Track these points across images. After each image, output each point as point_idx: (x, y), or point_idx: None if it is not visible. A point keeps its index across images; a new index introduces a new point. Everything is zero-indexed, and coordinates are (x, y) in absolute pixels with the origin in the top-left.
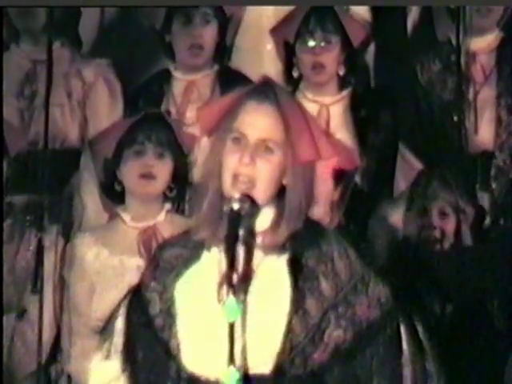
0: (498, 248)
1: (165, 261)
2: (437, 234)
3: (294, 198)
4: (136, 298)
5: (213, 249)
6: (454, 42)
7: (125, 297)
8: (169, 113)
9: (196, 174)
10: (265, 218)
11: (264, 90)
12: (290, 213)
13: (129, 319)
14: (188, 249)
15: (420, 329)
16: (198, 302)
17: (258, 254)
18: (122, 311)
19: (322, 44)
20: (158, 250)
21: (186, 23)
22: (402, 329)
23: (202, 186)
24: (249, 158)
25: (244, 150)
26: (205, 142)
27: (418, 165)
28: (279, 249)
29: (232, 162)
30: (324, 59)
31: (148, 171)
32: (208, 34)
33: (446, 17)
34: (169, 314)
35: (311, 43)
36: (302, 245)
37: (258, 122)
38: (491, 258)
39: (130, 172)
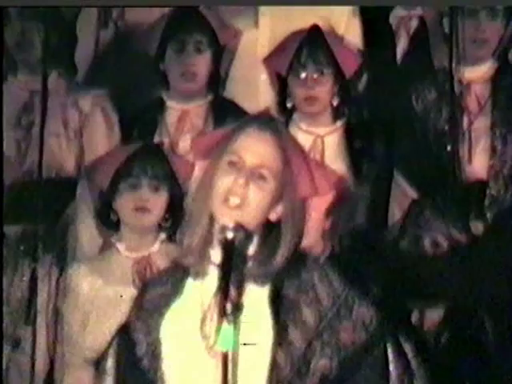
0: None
1: (148, 301)
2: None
3: (286, 229)
4: (125, 337)
5: (195, 276)
6: (449, 70)
7: (115, 335)
8: (162, 143)
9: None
10: (256, 251)
11: (266, 119)
12: (283, 243)
13: (118, 359)
14: (169, 286)
15: (408, 348)
16: (182, 343)
17: (246, 284)
18: (112, 350)
19: (315, 76)
20: (142, 290)
21: (179, 51)
22: (389, 350)
23: (193, 210)
24: (244, 180)
25: (239, 173)
26: (199, 170)
27: (412, 194)
28: (262, 279)
29: (225, 182)
30: (317, 92)
31: (143, 205)
32: (201, 63)
33: (442, 44)
34: (154, 356)
35: (303, 76)
36: (282, 276)
37: (256, 147)
38: (483, 279)
39: (124, 204)
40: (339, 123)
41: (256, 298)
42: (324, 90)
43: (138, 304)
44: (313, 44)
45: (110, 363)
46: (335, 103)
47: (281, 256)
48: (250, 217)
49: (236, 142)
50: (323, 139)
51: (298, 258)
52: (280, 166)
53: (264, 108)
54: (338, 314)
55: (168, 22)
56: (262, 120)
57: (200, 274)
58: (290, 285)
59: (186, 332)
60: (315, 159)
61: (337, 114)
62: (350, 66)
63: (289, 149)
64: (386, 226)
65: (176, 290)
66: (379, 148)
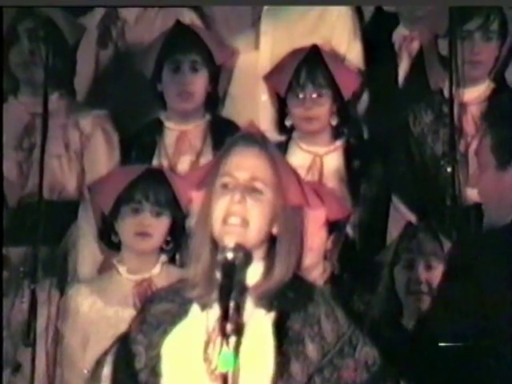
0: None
1: (152, 315)
2: (424, 288)
3: (283, 246)
4: (123, 348)
5: (202, 306)
6: (445, 92)
7: (112, 345)
8: (161, 165)
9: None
10: (255, 270)
11: (251, 135)
12: (280, 261)
13: (115, 369)
14: (176, 304)
15: None
16: (183, 363)
17: (248, 307)
18: (110, 360)
19: (313, 96)
20: (147, 303)
21: (175, 71)
22: None
23: (195, 242)
24: (239, 195)
25: (234, 190)
26: (195, 201)
27: (410, 217)
28: (267, 305)
29: (222, 204)
30: (315, 112)
31: (143, 230)
32: (197, 82)
33: (438, 66)
34: (153, 372)
35: (302, 96)
36: (288, 305)
37: (245, 162)
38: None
39: (126, 228)
40: (338, 143)
41: (260, 322)
42: (322, 110)
43: (142, 316)
44: (312, 64)
45: (106, 371)
46: (334, 123)
47: (278, 275)
48: (254, 233)
49: (226, 163)
50: (322, 158)
51: (304, 287)
52: (271, 175)
53: (248, 122)
54: (341, 351)
55: (164, 42)
56: (248, 136)
57: (207, 305)
58: (296, 316)
59: (188, 352)
60: (302, 178)
61: (336, 133)
62: (349, 87)
63: (276, 159)
64: (383, 249)
65: (182, 309)
66: (377, 169)
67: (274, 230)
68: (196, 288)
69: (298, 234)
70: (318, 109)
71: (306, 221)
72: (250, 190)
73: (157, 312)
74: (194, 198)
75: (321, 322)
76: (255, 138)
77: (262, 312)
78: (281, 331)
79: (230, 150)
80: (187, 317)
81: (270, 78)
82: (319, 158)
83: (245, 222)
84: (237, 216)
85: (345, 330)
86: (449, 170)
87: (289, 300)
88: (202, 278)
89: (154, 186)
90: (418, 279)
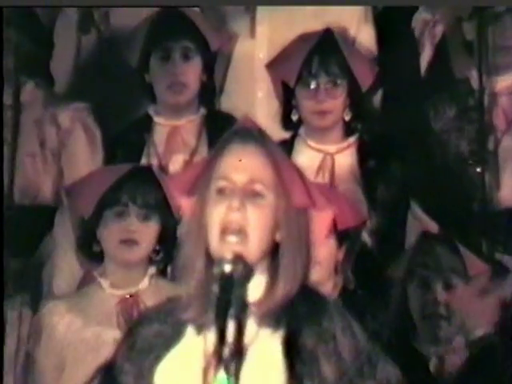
0: None
1: (142, 339)
2: (442, 310)
3: (288, 256)
4: (108, 379)
5: (198, 328)
6: (472, 82)
7: (93, 376)
8: (150, 165)
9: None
10: (258, 285)
11: (248, 130)
12: (285, 273)
13: None
14: (169, 325)
15: None
16: None
17: (251, 327)
18: None
19: (328, 86)
20: (135, 325)
21: (164, 60)
22: None
23: (187, 255)
24: (238, 201)
25: (232, 196)
26: (185, 209)
27: (431, 224)
28: (274, 322)
29: (219, 212)
30: (329, 105)
31: (129, 237)
32: (191, 71)
33: (464, 52)
34: None
35: (314, 87)
36: (299, 320)
37: (243, 163)
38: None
39: (109, 235)
40: (351, 140)
41: (267, 343)
42: (337, 102)
43: (130, 341)
44: (325, 51)
45: None
46: (347, 118)
47: (283, 288)
48: (255, 245)
49: (220, 165)
50: (333, 157)
51: (316, 300)
52: (272, 176)
53: (243, 116)
54: (360, 370)
55: (150, 28)
56: (243, 132)
57: (204, 326)
58: (309, 332)
59: (184, 381)
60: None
61: (349, 129)
62: (366, 77)
63: (277, 157)
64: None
65: (176, 331)
66: (395, 169)
67: (277, 237)
68: (189, 308)
69: (304, 240)
70: (332, 101)
71: (312, 225)
72: (250, 194)
73: (147, 335)
74: (185, 206)
75: (336, 337)
76: (252, 134)
77: (267, 331)
78: (292, 350)
79: (225, 149)
80: (182, 340)
81: (274, 66)
82: (330, 156)
83: (246, 231)
84: (236, 224)
85: (363, 346)
86: (478, 170)
87: (299, 315)
88: (195, 296)
89: (141, 186)
90: (435, 300)
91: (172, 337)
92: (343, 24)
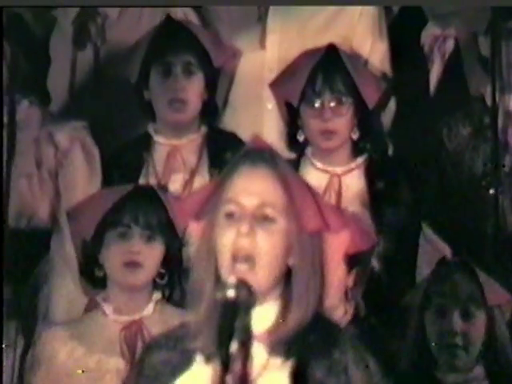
0: None
1: (150, 367)
2: (459, 341)
3: (301, 282)
4: None
5: (207, 357)
6: (488, 99)
7: None
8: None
9: (190, 258)
10: (269, 312)
11: (257, 151)
12: (297, 300)
13: None
14: (177, 352)
15: None
16: None
17: (260, 356)
18: None
19: (332, 105)
20: (144, 352)
21: (164, 75)
22: None
23: (196, 279)
24: (247, 226)
25: (241, 221)
26: (193, 233)
27: (444, 248)
28: (284, 351)
29: (228, 238)
30: (335, 124)
31: (133, 259)
32: (192, 88)
33: (479, 69)
34: None
35: (318, 105)
36: (310, 350)
37: (253, 186)
38: None
39: (112, 258)
40: (359, 160)
41: (277, 374)
42: (343, 121)
43: (137, 369)
44: (329, 67)
45: None
46: (355, 137)
47: (295, 318)
48: (265, 271)
49: (229, 188)
50: (341, 179)
51: (327, 328)
52: (284, 199)
53: (253, 136)
54: None
55: (151, 42)
56: (253, 153)
57: (213, 355)
58: (319, 364)
59: None
60: (322, 196)
61: (357, 149)
62: (372, 95)
63: (289, 179)
64: (412, 288)
65: (184, 359)
66: (405, 191)
67: (290, 262)
68: (199, 337)
69: (317, 265)
70: (338, 120)
71: (326, 249)
72: (260, 218)
73: (155, 362)
74: (193, 229)
75: (348, 370)
76: (262, 155)
77: (278, 361)
78: (301, 382)
79: (234, 172)
80: (190, 368)
81: (277, 85)
82: (337, 177)
83: (254, 260)
84: (245, 251)
85: (377, 380)
86: (491, 192)
87: (310, 344)
88: (205, 324)
89: (144, 206)
90: (452, 330)
91: (180, 365)
92: (357, 37)
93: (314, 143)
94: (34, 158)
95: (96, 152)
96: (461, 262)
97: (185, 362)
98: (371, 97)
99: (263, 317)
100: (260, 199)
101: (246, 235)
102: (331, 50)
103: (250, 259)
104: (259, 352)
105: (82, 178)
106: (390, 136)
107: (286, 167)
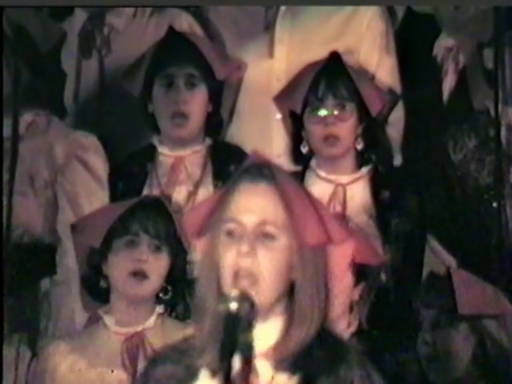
0: None
1: (155, 380)
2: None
3: (304, 297)
4: None
5: (212, 372)
6: (492, 112)
7: None
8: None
9: (194, 274)
10: (273, 329)
11: (258, 167)
12: (301, 315)
13: None
14: (182, 366)
15: None
16: None
17: (266, 371)
18: None
19: (335, 112)
20: (149, 365)
21: (167, 87)
22: None
23: (200, 295)
24: (247, 246)
25: (241, 239)
26: (197, 249)
27: (451, 261)
28: (290, 366)
29: (230, 257)
30: (338, 130)
31: (140, 268)
32: (195, 100)
33: (483, 81)
34: None
35: (322, 112)
36: (315, 366)
37: (253, 204)
38: None
39: (118, 267)
40: (364, 170)
41: None
42: (346, 127)
43: (142, 382)
44: (332, 73)
45: None
46: (359, 147)
47: (299, 334)
48: (267, 289)
49: (230, 205)
50: (345, 188)
51: (333, 345)
52: (285, 215)
53: (252, 151)
54: None
55: (154, 55)
56: (254, 169)
57: (217, 372)
58: (324, 380)
59: None
60: (326, 207)
61: (361, 159)
62: (376, 102)
63: (290, 193)
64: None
65: (189, 373)
66: (411, 202)
67: (293, 277)
68: (204, 352)
69: (321, 279)
70: (341, 125)
71: (329, 262)
72: (260, 236)
73: (160, 376)
74: (196, 245)
75: None
76: (261, 171)
77: (283, 377)
78: None
79: (235, 188)
80: (195, 383)
81: (281, 97)
82: (342, 187)
83: (256, 279)
84: (246, 271)
85: None
86: (494, 205)
87: (315, 360)
88: (209, 339)
89: (152, 216)
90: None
91: (185, 379)
92: (365, 49)
93: (318, 151)
94: (35, 172)
95: (100, 164)
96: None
97: (190, 377)
98: (375, 104)
99: (267, 333)
100: (260, 217)
101: (247, 255)
102: (334, 58)
103: (251, 277)
104: (264, 368)
105: (85, 191)
106: (396, 146)
107: (287, 181)
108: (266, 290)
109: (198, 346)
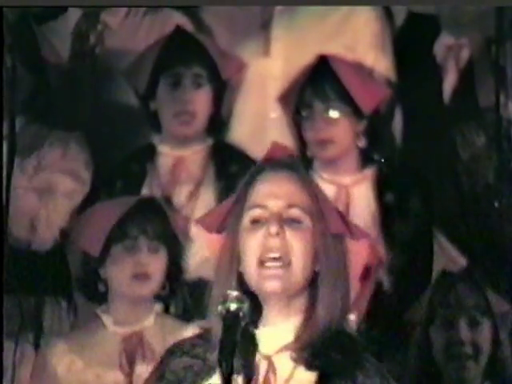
0: None
1: (171, 371)
2: (468, 350)
3: (327, 286)
4: None
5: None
6: (501, 108)
7: None
8: (153, 195)
9: (192, 269)
10: (292, 322)
11: (278, 160)
12: (324, 304)
13: None
14: (200, 359)
15: None
16: None
17: (285, 365)
18: None
19: (325, 115)
20: (166, 356)
21: (173, 86)
22: None
23: (217, 290)
24: (276, 226)
25: (268, 222)
26: (211, 245)
27: (457, 257)
28: (309, 362)
29: (256, 241)
30: (330, 134)
31: (143, 271)
32: (200, 100)
33: (490, 78)
34: None
35: (311, 118)
36: (332, 368)
37: (278, 189)
38: None
39: (119, 272)
40: (367, 171)
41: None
42: (339, 129)
43: (159, 372)
44: (318, 78)
45: None
46: (361, 144)
47: (321, 320)
48: (299, 273)
49: (252, 195)
50: (348, 190)
51: (352, 350)
52: (309, 200)
53: (268, 149)
54: None
55: (160, 52)
56: (274, 162)
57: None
58: None
59: None
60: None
61: (365, 159)
62: (368, 100)
63: (311, 184)
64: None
65: (206, 366)
66: (415, 203)
67: (316, 268)
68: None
69: (342, 270)
70: (333, 129)
71: (349, 256)
72: (288, 219)
73: (177, 367)
74: (213, 242)
75: None
76: (283, 162)
77: (302, 373)
78: None
79: (255, 181)
80: (211, 377)
81: (284, 98)
82: (345, 189)
83: (287, 259)
84: (276, 251)
85: None
86: (496, 205)
87: (333, 360)
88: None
89: (149, 217)
90: (459, 340)
91: (201, 373)
92: (361, 46)
93: (315, 155)
94: (30, 175)
95: (81, 160)
96: (463, 272)
97: (206, 371)
98: (367, 103)
99: (287, 328)
100: (286, 200)
101: (276, 235)
102: (321, 62)
103: (282, 258)
104: (284, 362)
105: (65, 190)
106: (401, 146)
107: (307, 173)
108: (296, 272)
109: (214, 341)
